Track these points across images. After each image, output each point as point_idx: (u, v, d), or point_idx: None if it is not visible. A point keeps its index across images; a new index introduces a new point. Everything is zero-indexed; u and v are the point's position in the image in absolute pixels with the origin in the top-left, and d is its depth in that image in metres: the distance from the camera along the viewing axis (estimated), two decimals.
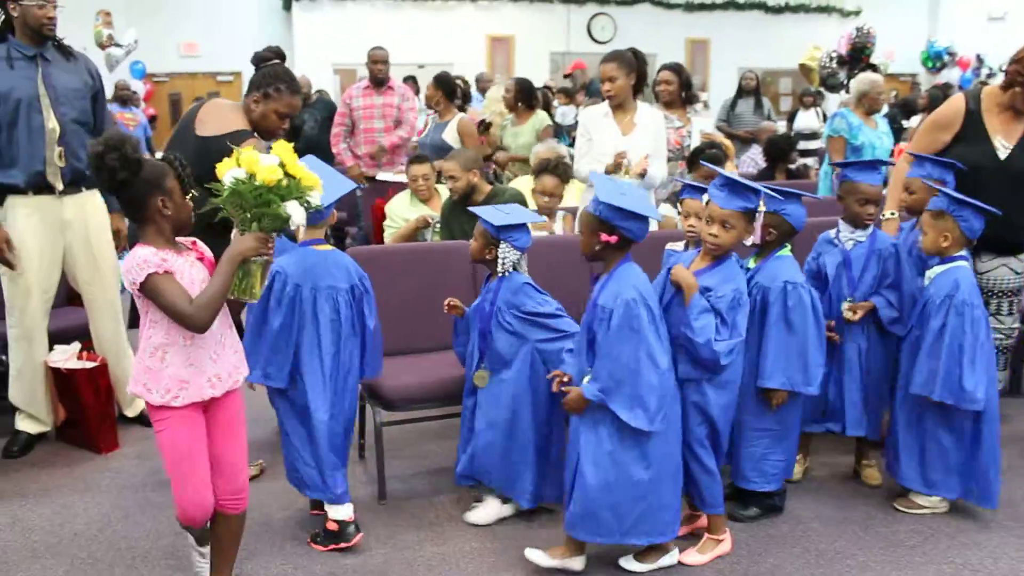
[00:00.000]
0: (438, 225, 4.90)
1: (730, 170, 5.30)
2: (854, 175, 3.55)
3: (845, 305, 3.55)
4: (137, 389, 2.49)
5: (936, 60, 12.07)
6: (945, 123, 3.92)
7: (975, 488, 3.34)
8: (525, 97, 6.83)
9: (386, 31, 11.93)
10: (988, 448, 3.32)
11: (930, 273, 3.42)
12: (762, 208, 3.00)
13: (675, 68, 5.96)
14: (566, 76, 11.29)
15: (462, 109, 7.06)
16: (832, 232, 3.68)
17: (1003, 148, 3.77)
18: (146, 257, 2.38)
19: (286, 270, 3.03)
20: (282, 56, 3.89)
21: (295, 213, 2.47)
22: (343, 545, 3.13)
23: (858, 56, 7.78)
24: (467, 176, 4.57)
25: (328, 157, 6.73)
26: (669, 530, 2.95)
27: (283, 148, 2.50)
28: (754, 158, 8.58)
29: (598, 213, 2.84)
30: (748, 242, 3.06)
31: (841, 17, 15.70)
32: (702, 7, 14.86)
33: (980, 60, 13.97)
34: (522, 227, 3.25)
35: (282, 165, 2.47)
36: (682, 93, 6.04)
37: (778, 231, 3.22)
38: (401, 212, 5.26)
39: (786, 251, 3.27)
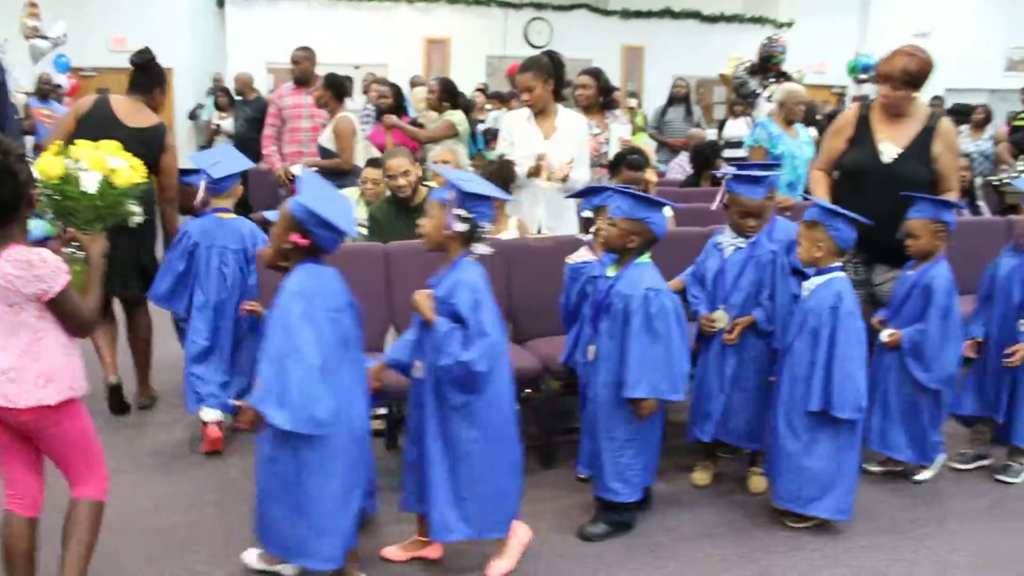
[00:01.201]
0: (364, 230, 4.76)
1: (649, 176, 5.39)
2: (736, 187, 3.60)
3: (724, 322, 3.61)
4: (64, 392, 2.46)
5: (862, 72, 12.36)
6: (839, 129, 4.10)
7: (845, 501, 3.39)
8: (449, 97, 6.83)
9: (321, 31, 11.88)
10: (853, 460, 3.41)
11: (808, 284, 3.45)
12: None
13: (594, 73, 5.99)
14: (509, 77, 11.30)
15: (396, 113, 7.01)
16: (719, 236, 3.76)
17: (887, 152, 3.92)
18: (58, 263, 2.34)
19: (191, 230, 4.09)
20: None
21: (135, 211, 2.61)
22: None
23: (767, 65, 7.92)
24: (416, 171, 4.53)
25: (256, 156, 6.69)
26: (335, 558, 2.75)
27: (112, 147, 2.60)
28: (682, 165, 8.72)
29: (295, 213, 2.69)
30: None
31: (774, 28, 15.98)
32: (638, 14, 15.03)
33: None
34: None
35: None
36: (600, 98, 6.12)
37: (640, 239, 3.22)
38: None
39: (646, 258, 3.27)
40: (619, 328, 3.19)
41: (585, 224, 3.76)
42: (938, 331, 3.61)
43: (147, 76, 4.44)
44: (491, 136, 9.45)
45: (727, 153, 9.53)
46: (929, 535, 3.43)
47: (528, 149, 4.66)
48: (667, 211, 5.25)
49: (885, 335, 3.73)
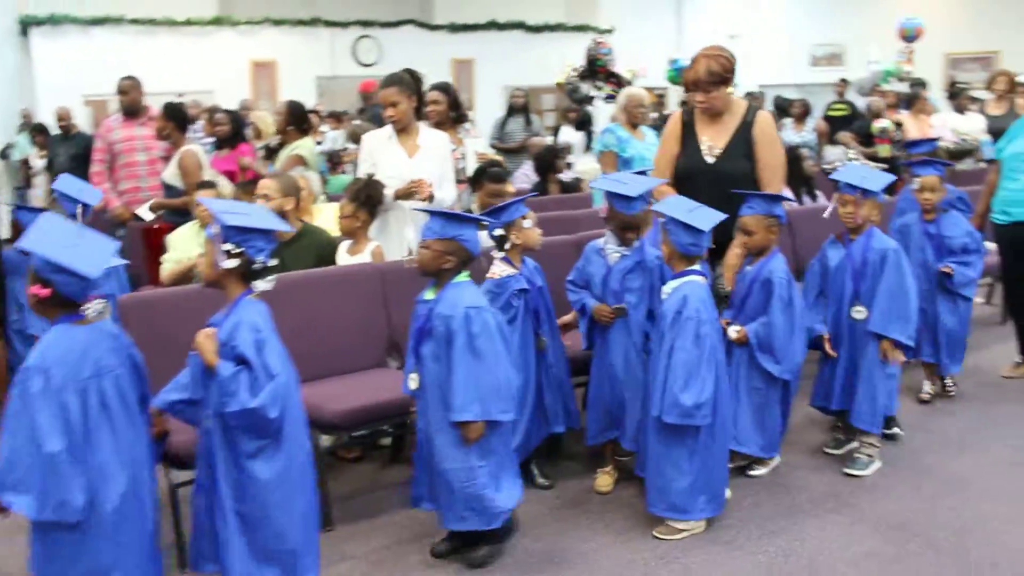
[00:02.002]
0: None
1: (508, 189, 5.40)
2: (614, 203, 3.66)
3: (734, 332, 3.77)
4: None
5: (680, 75, 12.88)
6: (667, 136, 4.20)
7: (715, 501, 3.43)
8: (296, 120, 6.61)
9: (140, 58, 11.24)
10: (719, 460, 3.43)
11: (666, 289, 3.50)
12: None
13: (443, 88, 5.96)
14: (362, 93, 11.11)
15: (233, 141, 6.73)
16: (601, 241, 3.80)
17: (710, 153, 4.03)
18: None
19: None
20: None
21: None
22: None
23: (594, 68, 8.12)
24: (282, 201, 4.34)
25: None
26: None
27: None
28: (527, 173, 8.80)
29: (33, 262, 2.48)
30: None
31: (597, 34, 16.45)
32: (465, 28, 15.10)
33: None
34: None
35: None
36: (452, 113, 6.10)
37: (456, 258, 3.14)
38: (185, 245, 4.95)
39: (464, 277, 3.19)
40: (444, 350, 3.07)
41: (499, 242, 3.71)
42: (783, 322, 3.69)
43: None
44: (334, 159, 9.28)
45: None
46: (783, 529, 3.50)
47: (393, 169, 4.57)
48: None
49: (732, 332, 3.77)
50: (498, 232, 3.69)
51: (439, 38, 14.87)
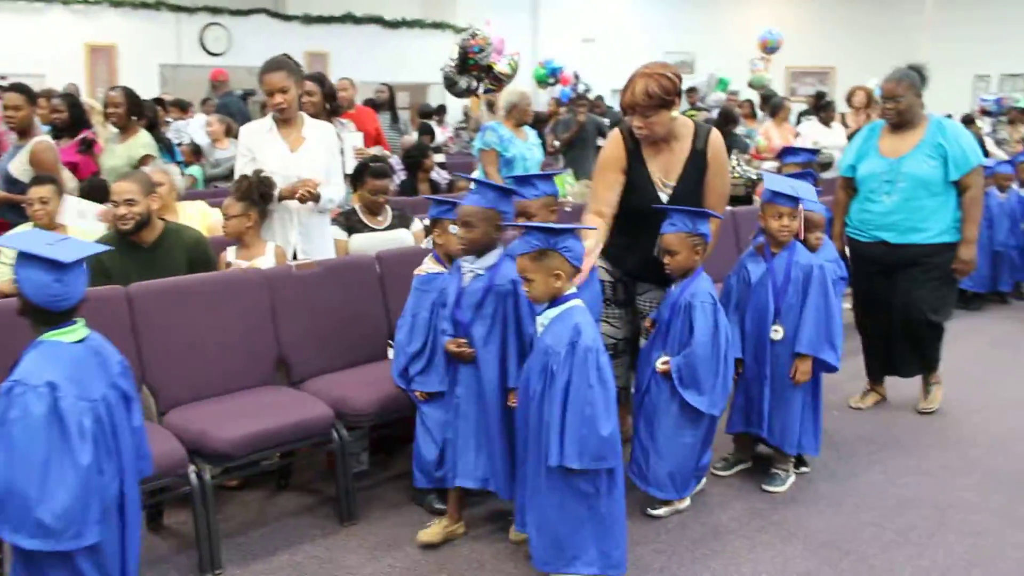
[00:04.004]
0: None
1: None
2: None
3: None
4: None
5: (552, 76, 12.83)
6: (613, 163, 3.66)
7: (613, 556, 2.92)
8: (138, 110, 5.95)
9: None
10: (615, 508, 2.92)
11: (542, 319, 2.91)
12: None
13: (318, 79, 5.60)
14: (213, 82, 10.34)
15: (74, 129, 6.02)
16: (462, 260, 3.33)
17: (663, 190, 3.61)
18: None
19: None
20: None
21: None
22: None
23: (465, 61, 7.86)
24: (147, 202, 3.82)
25: None
26: None
27: None
28: (396, 170, 8.46)
29: None
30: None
31: (455, 32, 16.20)
32: (320, 19, 14.53)
33: (577, 77, 15.07)
34: None
35: None
36: (327, 105, 5.72)
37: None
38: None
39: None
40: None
41: (426, 230, 3.44)
42: (708, 352, 3.35)
43: None
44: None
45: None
46: (715, 552, 3.33)
47: (274, 164, 4.14)
48: (416, 225, 4.97)
49: (659, 364, 3.43)
50: (426, 222, 3.42)
51: (292, 29, 14.24)
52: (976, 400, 4.96)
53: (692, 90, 12.82)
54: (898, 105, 4.39)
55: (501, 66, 7.58)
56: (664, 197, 3.59)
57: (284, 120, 4.21)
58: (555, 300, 2.87)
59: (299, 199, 4.07)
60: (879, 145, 4.54)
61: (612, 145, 3.69)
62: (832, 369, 3.78)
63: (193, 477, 3.07)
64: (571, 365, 2.78)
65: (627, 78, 3.51)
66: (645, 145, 3.61)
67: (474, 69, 8.18)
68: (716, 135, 3.66)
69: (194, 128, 10.43)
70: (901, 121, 4.43)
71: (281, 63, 4.17)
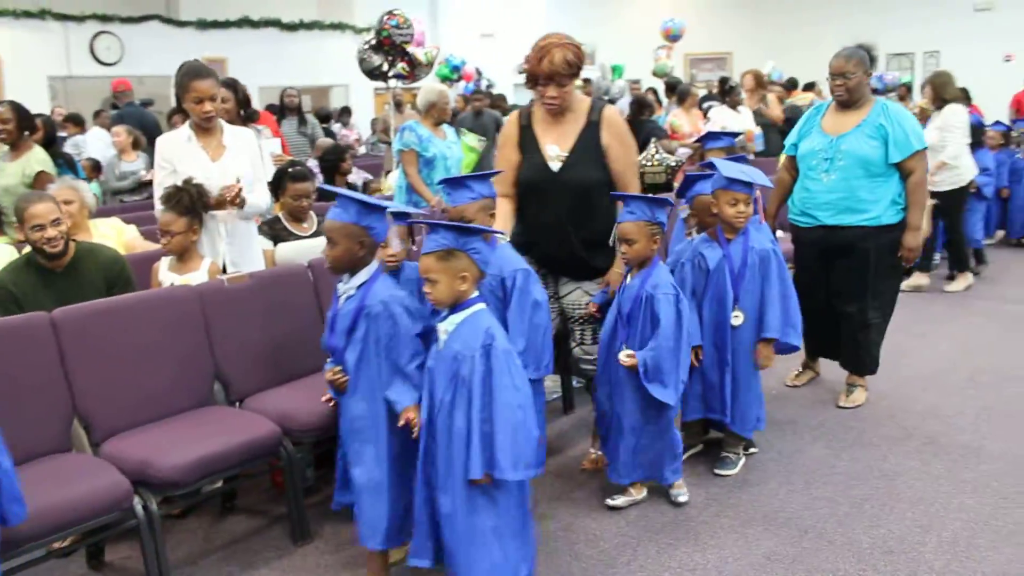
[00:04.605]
0: None
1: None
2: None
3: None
4: None
5: (455, 72, 12.74)
6: (506, 140, 3.72)
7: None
8: (29, 124, 5.65)
9: None
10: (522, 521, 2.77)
11: (445, 326, 2.70)
12: None
13: (231, 84, 5.44)
14: (115, 93, 9.95)
15: None
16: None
17: (555, 159, 3.59)
18: None
19: None
20: None
21: None
22: None
23: (380, 41, 7.71)
24: (68, 220, 3.61)
25: None
26: None
27: None
28: (316, 174, 8.28)
29: None
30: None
31: (355, 34, 15.97)
32: (216, 24, 14.12)
33: (479, 73, 15.02)
34: None
35: None
36: (241, 112, 5.57)
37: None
38: None
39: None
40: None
41: None
42: (672, 344, 3.33)
43: None
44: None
45: None
46: (679, 541, 3.33)
47: (196, 175, 3.96)
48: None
49: (623, 357, 3.36)
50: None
51: (187, 35, 13.80)
52: (903, 371, 5.11)
53: (587, 81, 12.88)
54: (847, 82, 4.35)
55: (417, 52, 7.48)
56: (555, 166, 3.58)
57: (205, 129, 4.05)
58: (458, 305, 2.69)
59: (231, 203, 3.92)
60: (822, 123, 4.54)
61: (508, 125, 3.77)
62: (795, 349, 3.85)
63: (139, 509, 2.91)
64: (489, 369, 2.60)
65: (535, 50, 3.47)
66: (539, 120, 3.64)
67: (386, 43, 8.02)
68: (611, 109, 3.68)
69: (91, 142, 10.05)
70: (850, 99, 4.40)
71: (208, 69, 4.02)
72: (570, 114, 3.62)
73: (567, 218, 3.54)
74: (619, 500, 3.58)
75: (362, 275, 2.86)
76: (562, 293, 3.75)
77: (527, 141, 3.65)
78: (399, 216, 3.23)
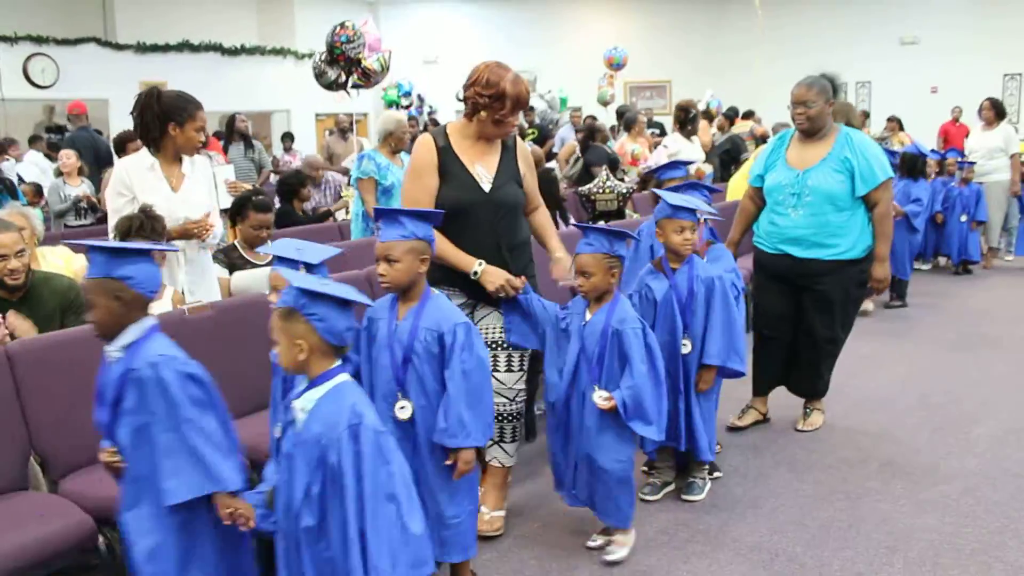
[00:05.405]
0: None
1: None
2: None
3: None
4: None
5: (405, 98, 12.73)
6: (424, 167, 3.53)
7: None
8: None
9: None
10: None
11: (301, 404, 2.33)
12: None
13: None
14: (71, 116, 9.72)
15: None
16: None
17: (485, 180, 3.56)
18: None
19: None
20: None
21: None
22: None
23: (333, 56, 7.68)
24: (31, 251, 3.51)
25: None
26: None
27: None
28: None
29: None
30: None
31: (296, 59, 15.87)
32: (155, 48, 13.90)
33: (421, 99, 15.04)
34: None
35: None
36: None
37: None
38: None
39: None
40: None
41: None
42: (650, 380, 3.23)
43: None
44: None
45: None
46: (652, 568, 3.35)
47: (157, 204, 3.87)
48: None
49: (599, 400, 3.21)
50: None
51: (126, 59, 13.57)
52: (854, 394, 5.22)
53: (531, 109, 12.99)
54: (808, 111, 4.32)
55: (370, 62, 7.43)
56: (486, 187, 3.55)
57: (172, 158, 3.98)
58: (316, 379, 2.30)
59: (198, 236, 3.87)
60: (787, 155, 4.50)
61: (422, 150, 3.56)
62: (739, 374, 3.87)
63: (104, 549, 2.81)
64: (358, 455, 2.21)
65: (493, 77, 3.42)
66: (459, 144, 3.57)
67: (340, 59, 7.96)
68: (517, 136, 3.74)
69: (25, 167, 9.77)
70: (812, 128, 4.36)
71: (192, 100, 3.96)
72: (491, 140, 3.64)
73: (500, 235, 3.52)
74: (599, 541, 3.48)
75: (131, 333, 2.39)
76: (477, 318, 3.61)
77: (449, 163, 3.54)
78: (283, 261, 2.79)
